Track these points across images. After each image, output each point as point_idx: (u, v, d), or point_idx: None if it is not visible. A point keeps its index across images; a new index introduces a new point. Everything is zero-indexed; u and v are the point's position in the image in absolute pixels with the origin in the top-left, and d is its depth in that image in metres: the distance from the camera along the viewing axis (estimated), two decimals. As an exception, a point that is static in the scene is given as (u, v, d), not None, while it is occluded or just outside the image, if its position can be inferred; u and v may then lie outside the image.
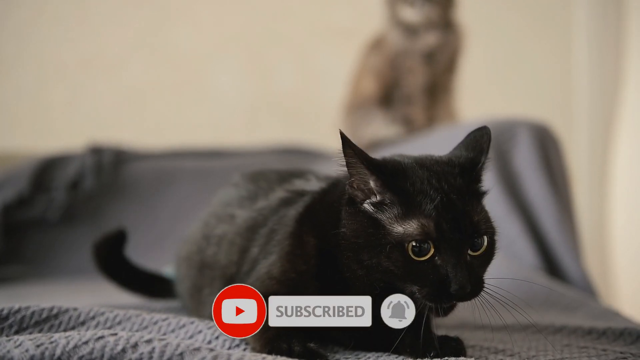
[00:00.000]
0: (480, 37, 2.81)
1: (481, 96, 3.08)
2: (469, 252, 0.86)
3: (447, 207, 0.84)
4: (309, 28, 3.09)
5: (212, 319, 0.91)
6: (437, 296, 0.83)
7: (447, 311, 0.86)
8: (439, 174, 0.88)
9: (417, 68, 2.44)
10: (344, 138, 0.85)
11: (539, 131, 1.94)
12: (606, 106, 3.09)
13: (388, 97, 2.48)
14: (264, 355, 0.81)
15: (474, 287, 0.84)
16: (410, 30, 2.40)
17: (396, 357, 0.89)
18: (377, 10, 2.50)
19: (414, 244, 0.83)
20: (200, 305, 1.12)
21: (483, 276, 0.88)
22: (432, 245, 0.83)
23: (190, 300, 1.18)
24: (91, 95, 2.99)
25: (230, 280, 1.04)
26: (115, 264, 1.45)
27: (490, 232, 0.88)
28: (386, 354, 0.91)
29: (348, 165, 0.87)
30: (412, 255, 0.83)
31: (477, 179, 0.91)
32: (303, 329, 0.89)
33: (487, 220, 0.88)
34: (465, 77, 2.61)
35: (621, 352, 0.91)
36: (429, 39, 2.41)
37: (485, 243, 0.87)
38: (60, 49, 2.99)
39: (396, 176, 0.87)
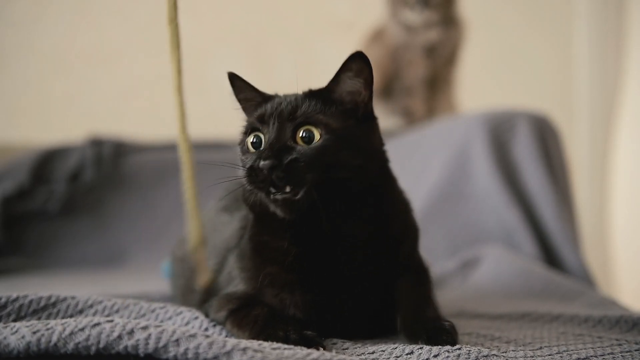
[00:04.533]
0: (481, 29, 2.80)
1: (481, 88, 3.07)
2: (300, 142, 0.90)
3: (275, 106, 0.94)
4: (309, 20, 3.09)
5: None
6: (250, 177, 0.91)
7: (281, 205, 0.90)
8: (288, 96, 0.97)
9: (418, 61, 2.44)
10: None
11: (539, 122, 1.93)
12: (606, 98, 3.08)
13: (388, 88, 2.48)
14: (260, 341, 0.81)
15: (287, 174, 0.87)
16: (410, 28, 2.40)
17: (393, 342, 0.89)
18: (377, 2, 2.50)
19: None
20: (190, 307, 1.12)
21: (319, 170, 0.89)
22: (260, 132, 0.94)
23: (182, 299, 1.19)
24: (92, 87, 2.99)
25: (207, 293, 1.07)
26: None
27: (321, 126, 0.91)
28: (382, 339, 0.91)
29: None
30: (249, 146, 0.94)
31: (333, 97, 0.94)
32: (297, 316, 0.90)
33: (321, 117, 0.92)
34: (466, 69, 2.60)
35: (616, 339, 0.91)
36: (430, 35, 2.40)
37: (317, 137, 0.90)
38: (61, 41, 2.99)
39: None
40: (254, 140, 0.94)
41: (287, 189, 0.87)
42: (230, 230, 1.10)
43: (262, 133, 0.93)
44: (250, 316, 0.91)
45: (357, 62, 0.92)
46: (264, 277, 0.94)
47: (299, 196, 0.88)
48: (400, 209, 1.02)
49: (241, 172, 0.93)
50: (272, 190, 0.88)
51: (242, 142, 0.96)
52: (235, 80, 1.03)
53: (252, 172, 0.89)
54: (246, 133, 0.96)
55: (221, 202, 1.22)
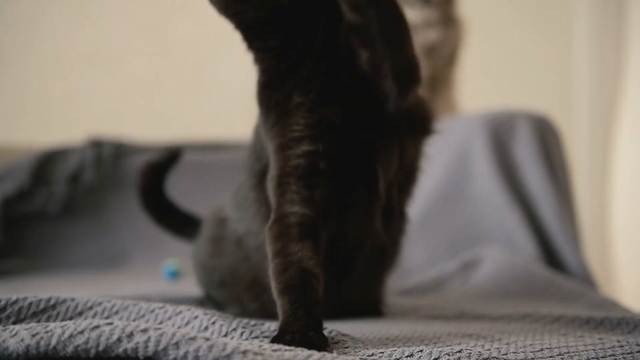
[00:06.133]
0: (481, 29, 2.80)
1: (482, 89, 3.07)
2: None
3: None
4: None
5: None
6: None
7: None
8: None
9: (418, 61, 2.43)
10: None
11: (539, 123, 1.94)
12: (606, 98, 3.08)
13: (388, 89, 2.47)
14: (260, 343, 0.81)
15: None
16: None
17: (393, 343, 0.89)
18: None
19: None
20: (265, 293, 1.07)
21: None
22: None
23: (231, 282, 1.17)
24: (92, 88, 2.99)
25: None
26: (154, 194, 1.47)
27: None
28: (390, 348, 0.91)
29: None
30: None
31: None
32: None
33: None
34: (466, 69, 2.60)
35: (618, 341, 0.91)
36: (430, 35, 2.40)
37: None
38: (61, 42, 2.99)
39: None
40: None
41: None
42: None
43: None
44: (287, 273, 0.92)
45: None
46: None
47: None
48: None
49: None
50: None
51: None
52: None
53: None
54: None
55: None
